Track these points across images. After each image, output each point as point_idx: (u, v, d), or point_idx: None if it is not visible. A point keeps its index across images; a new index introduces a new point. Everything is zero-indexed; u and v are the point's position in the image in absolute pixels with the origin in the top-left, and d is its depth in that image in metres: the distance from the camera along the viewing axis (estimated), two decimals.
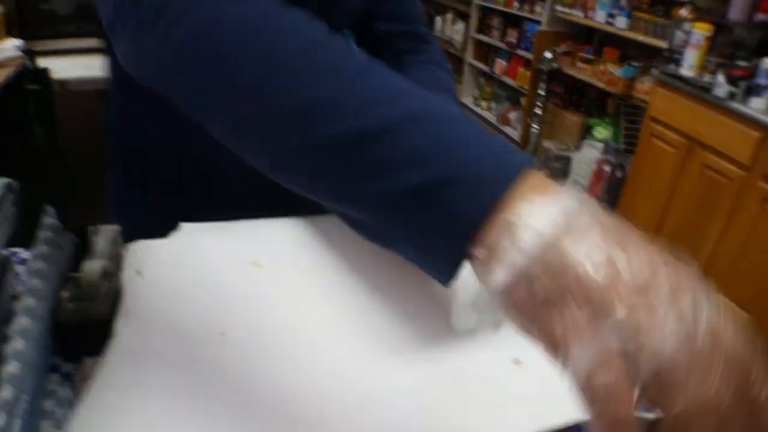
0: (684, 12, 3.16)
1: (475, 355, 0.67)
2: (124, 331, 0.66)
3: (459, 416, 0.59)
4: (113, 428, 0.54)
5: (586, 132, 4.13)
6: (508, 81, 5.18)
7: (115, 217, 1.01)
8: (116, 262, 0.78)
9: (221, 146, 0.50)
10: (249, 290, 0.75)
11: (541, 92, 4.47)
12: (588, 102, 4.31)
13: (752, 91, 2.79)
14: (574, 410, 0.59)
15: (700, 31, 3.03)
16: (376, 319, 0.72)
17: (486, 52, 5.61)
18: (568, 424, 0.51)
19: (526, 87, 4.80)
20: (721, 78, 2.87)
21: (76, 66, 2.35)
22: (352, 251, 0.83)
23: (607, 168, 3.73)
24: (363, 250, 0.82)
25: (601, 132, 3.92)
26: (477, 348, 0.68)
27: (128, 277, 0.74)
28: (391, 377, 0.63)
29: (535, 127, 4.56)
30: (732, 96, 2.84)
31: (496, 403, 0.61)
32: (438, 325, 0.72)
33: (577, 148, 4.12)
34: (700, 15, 3.10)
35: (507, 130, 5.16)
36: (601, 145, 3.87)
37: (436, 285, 0.68)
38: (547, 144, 4.36)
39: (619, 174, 3.67)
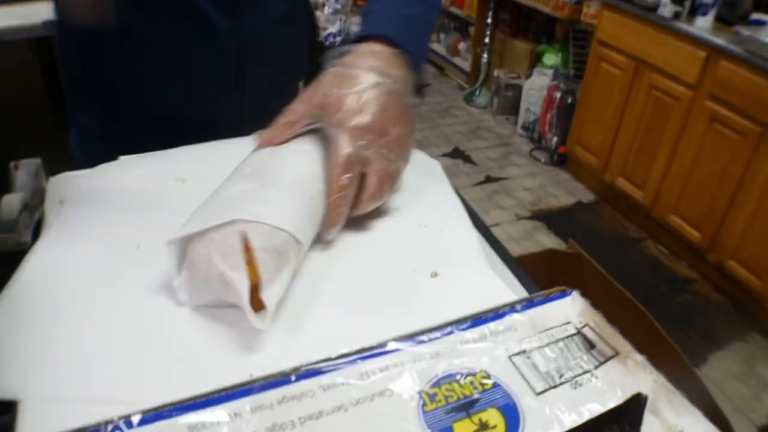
0: None
1: (394, 271, 0.66)
2: (38, 249, 0.64)
3: (387, 327, 0.58)
4: (24, 344, 0.53)
5: (535, 59, 4.11)
6: (456, 11, 5.10)
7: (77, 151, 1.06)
8: (37, 194, 0.75)
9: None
10: (171, 206, 0.72)
11: (489, 21, 4.43)
12: (536, 29, 4.28)
13: (697, 10, 2.80)
14: (490, 300, 0.60)
15: None
16: None
17: None
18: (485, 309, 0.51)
19: (474, 16, 4.74)
20: None
21: (7, 15, 2.25)
22: None
23: (557, 94, 3.73)
24: None
25: (551, 58, 3.90)
26: (396, 265, 0.67)
27: (50, 207, 0.71)
28: (309, 297, 0.62)
29: (484, 56, 4.53)
30: (677, 15, 2.85)
31: (420, 309, 0.61)
32: (354, 242, 0.71)
33: (528, 75, 4.10)
34: None
35: (457, 60, 5.11)
36: (551, 72, 3.86)
37: None
38: (498, 73, 4.34)
39: (569, 99, 3.67)
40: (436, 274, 0.65)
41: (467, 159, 3.81)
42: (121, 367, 0.52)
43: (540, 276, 0.74)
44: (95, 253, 0.65)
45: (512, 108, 4.26)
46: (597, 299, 0.54)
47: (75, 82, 0.98)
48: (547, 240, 3.10)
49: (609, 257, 2.96)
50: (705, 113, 2.75)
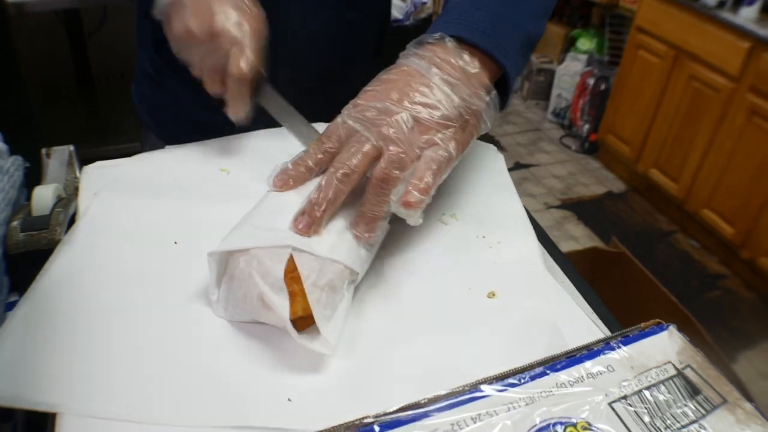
0: None
1: (448, 291, 0.61)
2: (71, 242, 0.61)
3: (439, 355, 0.54)
4: (60, 351, 0.51)
5: (569, 44, 4.02)
6: None
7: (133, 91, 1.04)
8: (70, 185, 0.71)
9: None
10: (213, 198, 0.70)
11: None
12: (571, 12, 4.19)
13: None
14: (556, 340, 0.55)
15: None
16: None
17: None
18: (552, 355, 0.46)
19: None
20: None
21: None
22: None
23: (591, 80, 3.65)
24: None
25: (585, 43, 3.82)
26: (451, 283, 0.62)
27: (84, 200, 0.67)
28: (356, 317, 0.58)
29: None
30: (721, 4, 2.77)
31: (477, 339, 0.56)
32: (407, 255, 0.66)
33: (560, 60, 4.02)
34: None
35: None
36: (584, 57, 3.77)
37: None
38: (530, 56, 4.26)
39: (603, 86, 3.59)
40: (493, 295, 0.60)
41: (496, 144, 3.71)
42: (158, 384, 0.49)
43: (583, 274, 0.69)
44: (130, 249, 0.62)
45: (543, 93, 4.18)
46: (639, 300, 0.50)
47: (138, 18, 0.95)
48: (576, 230, 3.04)
49: (639, 250, 2.88)
50: (745, 106, 2.68)
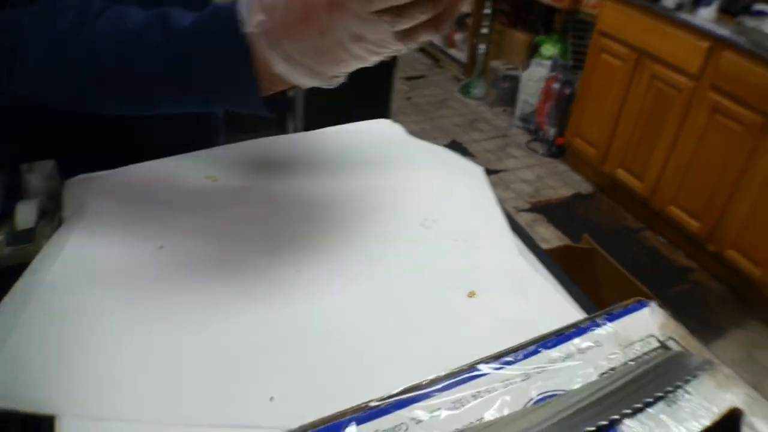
0: None
1: (429, 291, 0.63)
2: (58, 246, 0.62)
3: (421, 351, 0.56)
4: (51, 351, 0.51)
5: (533, 50, 4.08)
6: None
7: None
8: (54, 199, 0.71)
9: None
10: (200, 204, 0.71)
11: (488, 11, 4.39)
12: (535, 19, 4.25)
13: (700, 0, 2.78)
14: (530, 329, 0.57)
15: None
16: (326, 241, 0.68)
17: None
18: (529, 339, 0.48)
19: (471, 7, 4.69)
20: None
21: None
22: (316, 169, 0.80)
23: (555, 85, 3.70)
24: (325, 169, 0.80)
25: (549, 49, 3.88)
26: (431, 284, 0.64)
27: (69, 212, 0.67)
28: (338, 315, 0.59)
29: (481, 47, 4.49)
30: (680, 6, 2.83)
31: (456, 332, 0.58)
32: (388, 256, 0.68)
33: (525, 66, 4.07)
34: None
35: (452, 52, 5.07)
36: (549, 63, 3.83)
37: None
38: (495, 64, 4.31)
39: (567, 91, 3.65)
40: (473, 294, 0.62)
41: (465, 151, 3.78)
42: (143, 385, 0.50)
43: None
44: (116, 253, 0.63)
45: (509, 99, 4.23)
46: (611, 293, 0.52)
47: None
48: (547, 232, 3.08)
49: (608, 248, 2.89)
50: (707, 104, 2.74)
